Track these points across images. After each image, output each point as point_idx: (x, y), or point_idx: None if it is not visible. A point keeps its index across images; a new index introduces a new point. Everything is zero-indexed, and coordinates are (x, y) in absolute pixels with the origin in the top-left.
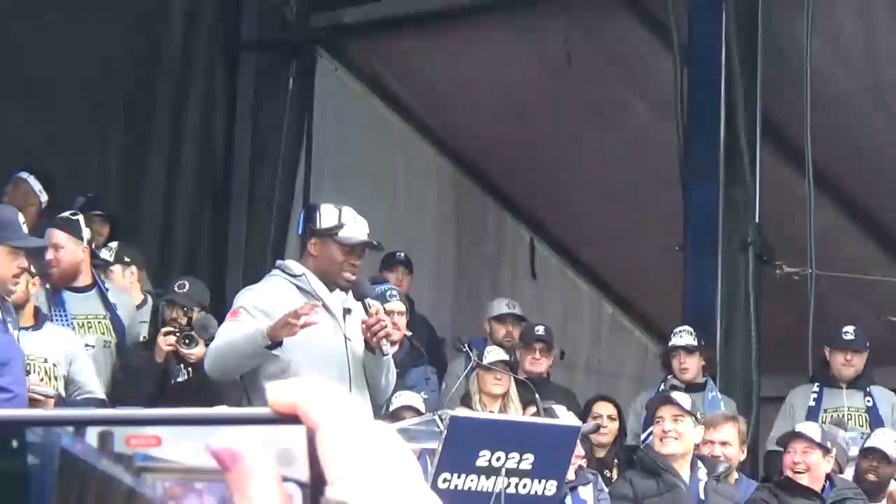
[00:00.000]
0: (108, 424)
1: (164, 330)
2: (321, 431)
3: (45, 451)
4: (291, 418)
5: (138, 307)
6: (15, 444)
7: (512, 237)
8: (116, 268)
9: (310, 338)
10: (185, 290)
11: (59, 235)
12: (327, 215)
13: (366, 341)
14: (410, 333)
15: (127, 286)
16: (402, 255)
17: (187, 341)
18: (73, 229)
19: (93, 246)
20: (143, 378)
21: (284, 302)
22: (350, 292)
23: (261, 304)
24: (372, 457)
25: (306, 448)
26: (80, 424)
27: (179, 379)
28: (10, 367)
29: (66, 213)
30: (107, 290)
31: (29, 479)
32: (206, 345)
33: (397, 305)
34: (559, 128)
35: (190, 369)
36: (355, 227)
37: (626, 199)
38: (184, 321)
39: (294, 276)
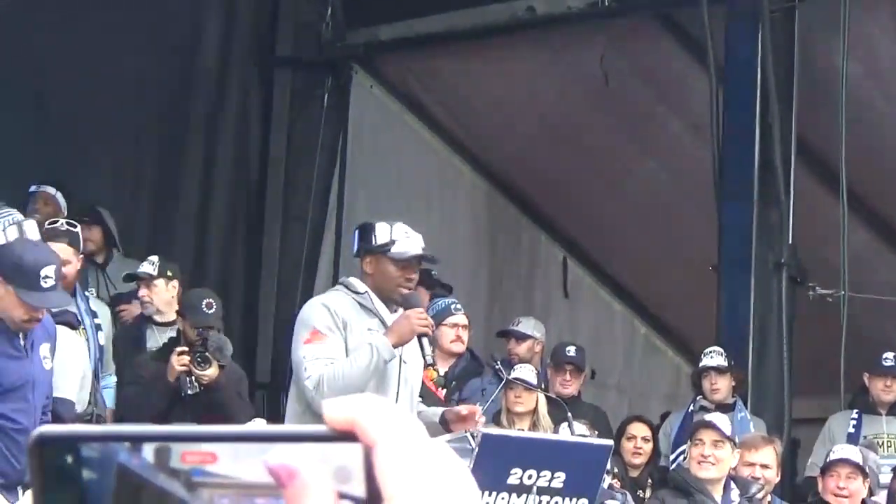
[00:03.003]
0: (165, 440)
1: (178, 349)
2: (378, 449)
3: (102, 466)
4: (348, 436)
5: (172, 323)
6: (70, 459)
7: (545, 256)
8: (160, 282)
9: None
10: (213, 311)
11: (65, 250)
12: (380, 233)
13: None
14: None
15: (169, 300)
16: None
17: (200, 361)
18: (75, 242)
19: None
20: (155, 392)
21: (353, 317)
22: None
23: (335, 321)
24: (429, 475)
25: (363, 466)
26: (137, 440)
27: (189, 392)
28: (16, 394)
29: (64, 223)
30: (86, 297)
31: (86, 494)
32: (220, 366)
33: (461, 319)
34: (594, 147)
35: (198, 383)
36: (407, 242)
37: (660, 219)
38: (198, 339)
39: (357, 293)
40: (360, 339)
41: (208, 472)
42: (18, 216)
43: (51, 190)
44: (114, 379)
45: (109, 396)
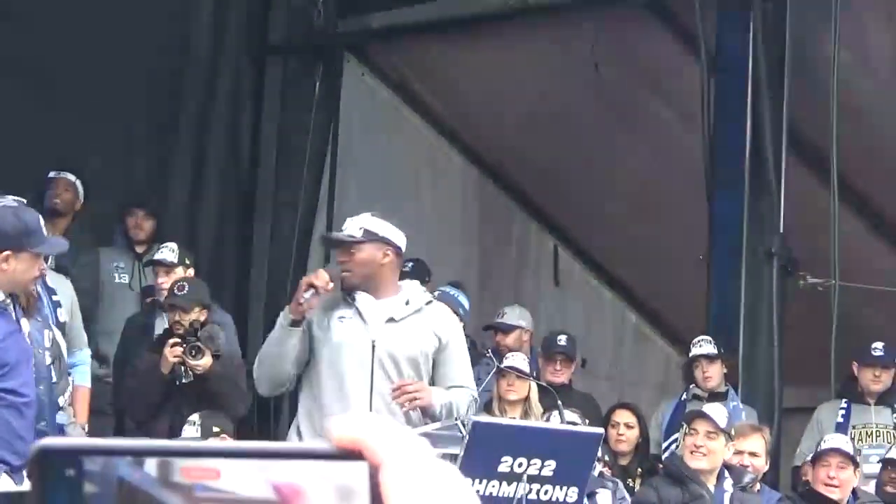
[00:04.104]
0: (169, 455)
1: (171, 341)
2: (385, 469)
3: (104, 480)
4: (354, 454)
5: None
6: (71, 472)
7: (536, 244)
8: (179, 269)
9: (340, 340)
10: (184, 292)
11: None
12: None
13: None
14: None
15: None
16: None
17: (194, 352)
18: None
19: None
20: (150, 384)
21: (325, 311)
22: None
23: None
24: (435, 497)
25: (368, 485)
26: (139, 454)
27: (184, 381)
28: (19, 369)
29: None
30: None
31: None
32: (214, 355)
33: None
34: (585, 136)
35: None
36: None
37: (651, 208)
38: (186, 323)
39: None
40: (332, 328)
41: (211, 488)
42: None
43: (70, 176)
44: (86, 353)
45: (82, 374)
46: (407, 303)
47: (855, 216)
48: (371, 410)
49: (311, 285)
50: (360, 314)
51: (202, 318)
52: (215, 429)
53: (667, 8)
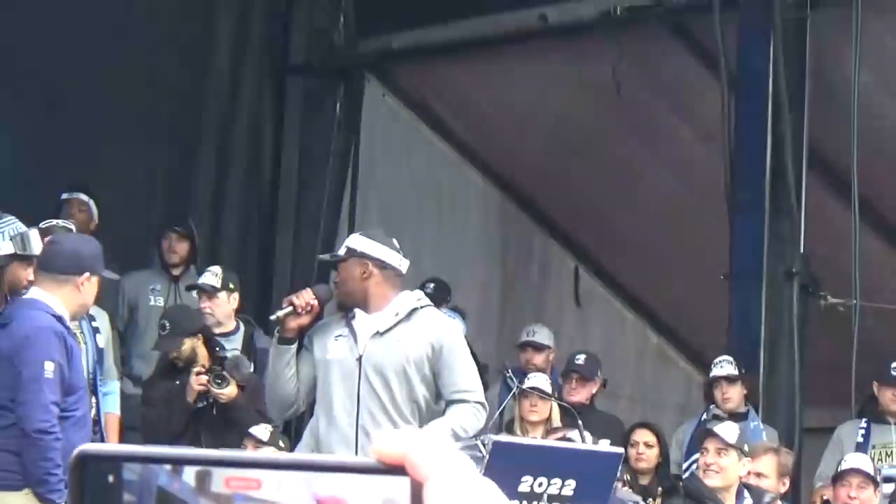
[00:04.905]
0: (211, 465)
1: (195, 370)
2: (429, 485)
3: (143, 489)
4: (397, 469)
5: (230, 334)
6: (111, 479)
7: (557, 264)
8: (222, 294)
9: (331, 358)
10: (166, 332)
11: None
12: None
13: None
14: None
15: (229, 313)
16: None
17: (219, 381)
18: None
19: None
20: (174, 413)
21: (325, 332)
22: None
23: (307, 341)
24: None
25: (410, 500)
26: (181, 463)
27: (199, 405)
28: (82, 390)
29: (60, 223)
30: None
31: None
32: (238, 385)
33: None
34: (607, 155)
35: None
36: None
37: (672, 228)
38: (185, 356)
39: None
40: (328, 348)
41: (252, 498)
42: (21, 226)
43: (83, 197)
44: (117, 384)
45: (112, 402)
46: (396, 314)
47: (876, 236)
48: (357, 427)
49: (291, 303)
50: (352, 331)
51: (196, 345)
52: (281, 444)
53: (688, 28)
